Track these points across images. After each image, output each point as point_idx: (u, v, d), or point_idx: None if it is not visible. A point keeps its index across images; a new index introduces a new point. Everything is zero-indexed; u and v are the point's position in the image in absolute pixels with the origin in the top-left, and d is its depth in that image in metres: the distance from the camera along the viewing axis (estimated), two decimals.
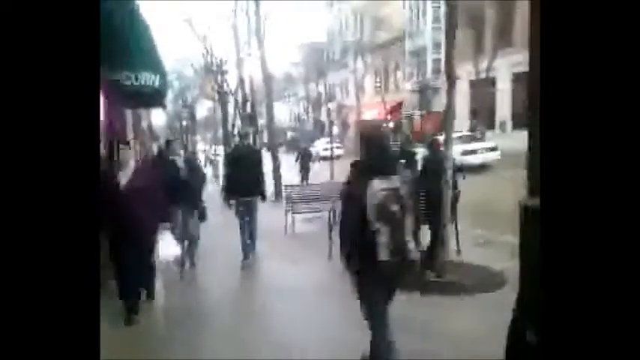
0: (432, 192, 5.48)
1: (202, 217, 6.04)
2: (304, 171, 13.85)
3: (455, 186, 5.44)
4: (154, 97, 4.61)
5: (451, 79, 5.25)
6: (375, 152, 2.76)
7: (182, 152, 5.89)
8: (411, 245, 2.66)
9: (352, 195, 2.70)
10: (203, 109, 38.73)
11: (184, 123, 32.37)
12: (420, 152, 7.95)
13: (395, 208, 2.60)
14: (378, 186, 2.60)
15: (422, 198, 6.11)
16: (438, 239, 5.28)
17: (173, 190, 4.96)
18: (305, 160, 14.06)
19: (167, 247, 6.50)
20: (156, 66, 4.46)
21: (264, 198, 6.39)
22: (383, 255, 2.59)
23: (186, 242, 6.07)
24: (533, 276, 2.81)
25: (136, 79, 4.28)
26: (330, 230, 6.17)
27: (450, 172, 5.14)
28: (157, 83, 4.44)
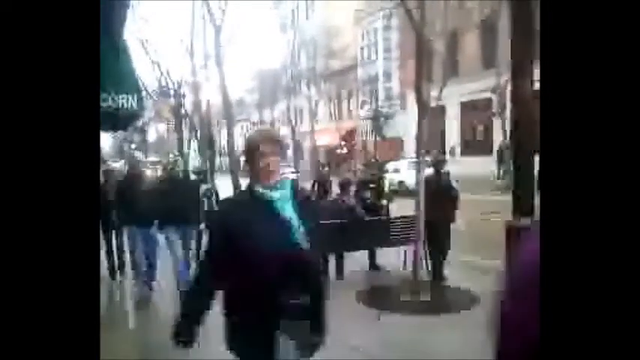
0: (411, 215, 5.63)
1: None
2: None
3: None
4: (130, 119, 4.49)
5: (421, 105, 5.49)
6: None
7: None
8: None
9: None
10: (151, 133, 37.70)
11: (133, 146, 31.37)
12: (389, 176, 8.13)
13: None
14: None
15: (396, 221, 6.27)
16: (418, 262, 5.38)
17: None
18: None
19: None
20: (134, 86, 4.37)
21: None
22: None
23: None
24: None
25: (114, 100, 4.17)
26: None
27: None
28: (134, 105, 4.34)
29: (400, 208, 7.17)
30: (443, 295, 5.33)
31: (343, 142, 32.17)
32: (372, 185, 6.65)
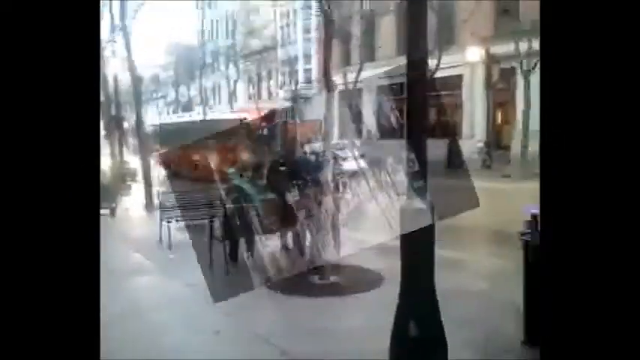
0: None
1: None
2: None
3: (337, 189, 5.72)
4: None
5: (329, 88, 5.53)
6: None
7: None
8: None
9: None
10: None
11: None
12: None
13: None
14: None
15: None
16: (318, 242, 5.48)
17: None
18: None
19: None
20: None
21: None
22: None
23: None
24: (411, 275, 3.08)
25: None
26: (211, 238, 6.01)
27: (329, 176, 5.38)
28: None
29: None
30: (350, 275, 5.46)
31: (264, 124, 31.77)
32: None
